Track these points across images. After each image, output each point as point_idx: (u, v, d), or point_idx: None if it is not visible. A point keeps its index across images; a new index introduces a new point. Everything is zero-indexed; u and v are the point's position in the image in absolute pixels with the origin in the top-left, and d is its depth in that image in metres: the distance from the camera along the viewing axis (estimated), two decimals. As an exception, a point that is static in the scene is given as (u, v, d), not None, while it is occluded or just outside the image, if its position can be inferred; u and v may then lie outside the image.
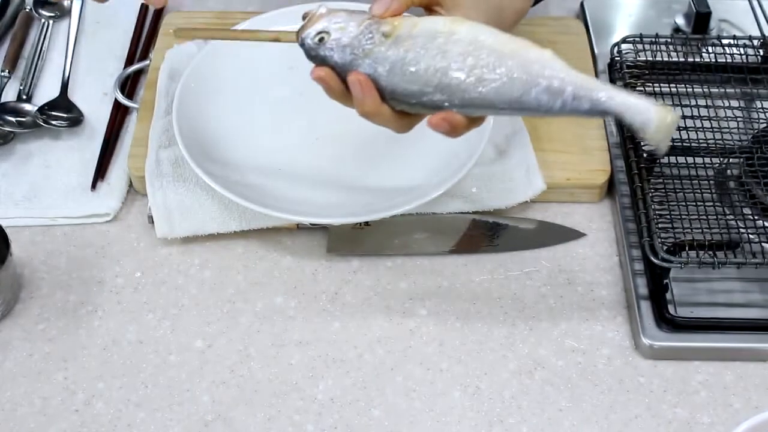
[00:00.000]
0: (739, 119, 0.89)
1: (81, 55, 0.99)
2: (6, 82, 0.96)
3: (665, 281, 0.78)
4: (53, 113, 0.92)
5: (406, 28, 0.67)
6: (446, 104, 0.66)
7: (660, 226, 0.79)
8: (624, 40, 0.95)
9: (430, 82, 0.66)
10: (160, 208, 0.83)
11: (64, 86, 0.95)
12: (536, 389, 0.74)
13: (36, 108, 0.92)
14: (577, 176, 0.87)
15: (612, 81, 0.94)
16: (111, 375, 0.75)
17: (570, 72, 0.65)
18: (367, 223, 0.84)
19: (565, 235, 0.85)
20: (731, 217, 0.82)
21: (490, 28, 0.66)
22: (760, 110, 0.90)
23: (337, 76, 0.68)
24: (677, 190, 0.82)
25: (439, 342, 0.77)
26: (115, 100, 0.94)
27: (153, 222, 0.83)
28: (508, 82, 0.65)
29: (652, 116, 0.64)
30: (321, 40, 0.67)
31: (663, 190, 0.82)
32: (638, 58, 0.93)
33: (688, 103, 0.89)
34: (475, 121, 0.68)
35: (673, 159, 0.85)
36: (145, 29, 1.02)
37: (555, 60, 0.65)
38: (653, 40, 0.94)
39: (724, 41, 0.95)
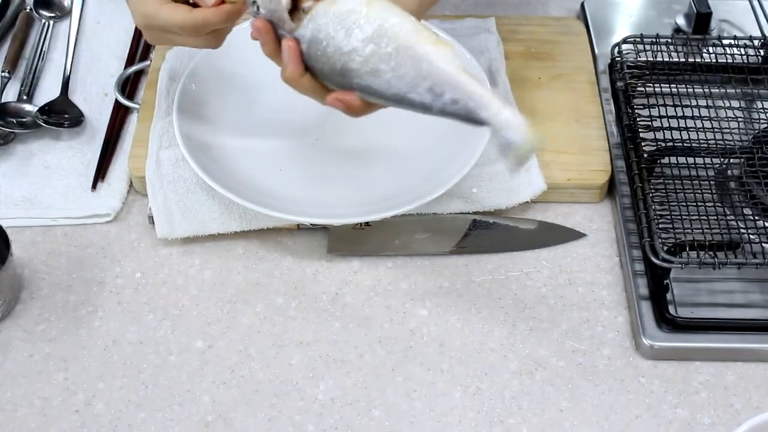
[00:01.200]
0: (739, 119, 0.89)
1: (81, 56, 0.99)
2: (6, 83, 0.96)
3: (666, 281, 0.78)
4: (53, 113, 0.92)
5: (325, 4, 0.67)
6: (347, 86, 0.68)
7: (660, 226, 0.79)
8: (624, 41, 0.95)
9: (335, 64, 0.67)
10: (160, 208, 0.83)
11: (65, 86, 0.95)
12: (537, 389, 0.74)
13: (36, 108, 0.92)
14: (577, 176, 0.87)
15: (612, 81, 0.94)
16: (111, 375, 0.75)
17: (457, 76, 0.65)
18: (367, 224, 0.84)
19: (566, 235, 0.85)
20: (732, 217, 0.82)
21: (400, 12, 0.67)
22: (761, 110, 0.90)
23: (273, 33, 0.70)
24: (678, 191, 0.82)
25: (440, 342, 0.77)
26: (116, 100, 0.94)
27: (153, 222, 0.83)
28: (398, 77, 0.66)
29: (521, 137, 0.64)
30: (257, 7, 0.69)
31: (663, 191, 0.82)
32: (639, 59, 0.93)
33: (688, 103, 0.89)
34: (372, 106, 0.70)
35: (673, 159, 0.85)
36: (146, 29, 1.02)
37: (447, 60, 0.65)
38: (654, 40, 0.94)
39: (725, 41, 0.95)
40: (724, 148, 0.86)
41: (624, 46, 0.94)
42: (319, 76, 0.70)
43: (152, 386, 0.74)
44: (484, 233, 0.84)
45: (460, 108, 0.65)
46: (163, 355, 0.76)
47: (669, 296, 0.78)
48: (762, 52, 0.95)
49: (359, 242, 0.83)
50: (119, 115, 0.93)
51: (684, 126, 0.87)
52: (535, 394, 0.74)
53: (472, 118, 0.65)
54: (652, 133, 0.87)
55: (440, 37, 0.67)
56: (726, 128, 0.87)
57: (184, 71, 0.89)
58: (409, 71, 0.65)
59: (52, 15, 1.04)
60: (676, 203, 0.81)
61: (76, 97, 0.95)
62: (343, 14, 0.66)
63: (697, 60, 0.94)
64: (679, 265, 0.76)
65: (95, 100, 0.95)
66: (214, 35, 0.76)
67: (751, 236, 0.80)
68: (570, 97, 0.93)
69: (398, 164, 0.86)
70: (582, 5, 1.04)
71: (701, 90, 0.90)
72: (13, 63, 0.98)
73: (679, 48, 0.95)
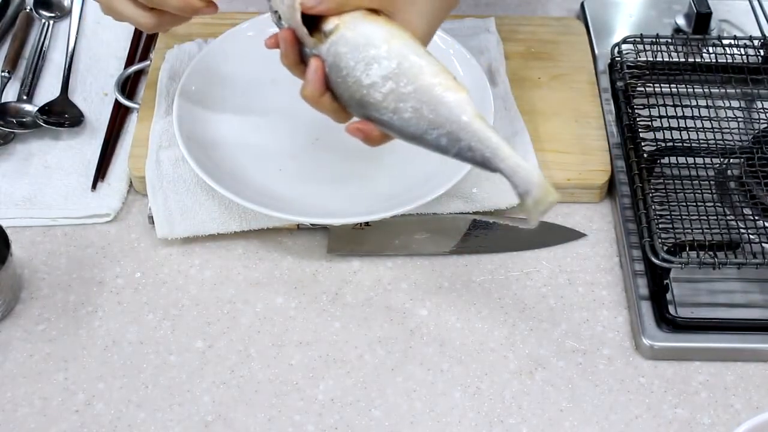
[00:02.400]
0: (739, 119, 0.89)
1: (81, 56, 0.99)
2: (6, 83, 0.96)
3: (666, 281, 0.78)
4: (53, 113, 0.92)
5: (346, 29, 0.67)
6: (366, 117, 0.68)
7: (660, 226, 0.79)
8: (624, 41, 0.95)
9: (354, 95, 0.68)
10: (160, 208, 0.83)
11: (65, 86, 0.95)
12: (537, 389, 0.74)
13: (36, 108, 0.92)
14: (577, 176, 0.87)
15: (612, 81, 0.94)
16: (111, 375, 0.75)
17: (473, 123, 0.65)
18: (367, 224, 0.84)
19: (566, 235, 0.85)
20: (732, 217, 0.82)
21: (420, 50, 0.67)
22: (761, 110, 0.90)
23: (297, 46, 0.70)
24: (678, 191, 0.82)
25: (440, 342, 0.77)
26: (116, 100, 0.94)
27: (153, 222, 0.83)
28: (415, 118, 0.66)
29: (535, 189, 0.65)
30: (279, 17, 0.70)
31: (663, 191, 0.82)
32: (639, 59, 0.93)
33: (688, 103, 0.89)
34: (389, 137, 0.70)
35: (673, 159, 0.85)
36: (146, 29, 1.02)
37: (465, 107, 0.66)
38: (654, 40, 0.94)
39: (725, 41, 0.95)
40: (724, 148, 0.86)
41: (624, 46, 0.94)
42: (339, 99, 0.70)
43: (152, 386, 0.74)
44: (484, 233, 0.84)
45: (477, 155, 0.66)
46: (163, 355, 0.76)
47: (669, 296, 0.78)
48: (762, 52, 0.95)
49: (359, 242, 0.83)
50: (119, 115, 0.93)
51: (684, 126, 0.87)
52: (535, 394, 0.74)
53: (487, 166, 0.66)
54: (652, 133, 0.87)
55: (457, 81, 0.67)
56: (726, 128, 0.87)
57: (184, 71, 0.89)
58: (427, 115, 0.66)
59: (52, 15, 1.03)
60: (676, 203, 0.81)
61: (76, 97, 0.95)
62: (362, 46, 0.66)
63: (697, 60, 0.94)
64: (679, 265, 0.76)
65: (95, 100, 0.95)
66: (157, 16, 0.76)
67: (751, 236, 0.80)
68: (570, 97, 0.93)
69: (398, 164, 0.85)
70: (582, 5, 1.04)
71: (701, 90, 0.90)
72: (13, 63, 0.98)
73: (679, 48, 0.95)
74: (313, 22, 0.68)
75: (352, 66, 0.67)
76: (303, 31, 0.68)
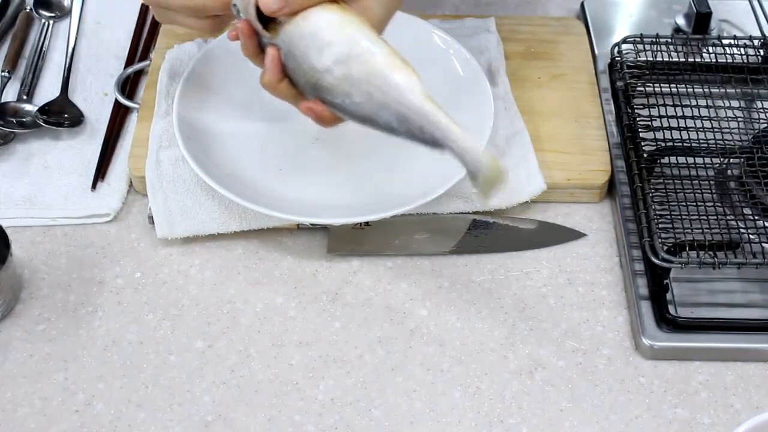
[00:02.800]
0: (739, 119, 0.89)
1: (81, 55, 0.99)
2: (6, 82, 0.96)
3: (666, 281, 0.78)
4: (53, 113, 0.92)
5: (300, 18, 0.69)
6: (321, 100, 0.71)
7: (660, 226, 0.79)
8: (624, 41, 0.95)
9: (309, 80, 0.70)
10: (160, 208, 0.83)
11: (64, 86, 0.95)
12: (537, 389, 0.74)
13: (36, 108, 0.92)
14: (577, 176, 0.87)
15: (612, 81, 0.94)
16: (111, 375, 0.75)
17: (423, 104, 0.67)
18: (367, 223, 0.84)
19: (566, 235, 0.85)
20: (731, 217, 0.82)
21: (371, 35, 0.69)
22: (761, 110, 0.90)
23: (255, 38, 0.72)
24: (677, 191, 0.82)
25: (440, 342, 0.77)
26: (116, 100, 0.94)
27: (153, 222, 0.83)
28: (366, 101, 0.68)
29: (484, 169, 0.67)
30: (237, 10, 0.72)
31: (663, 191, 0.82)
32: (639, 59, 0.93)
33: (688, 103, 0.89)
34: (341, 119, 0.73)
35: (673, 159, 0.85)
36: (145, 29, 1.02)
37: (415, 90, 0.67)
38: (654, 40, 0.94)
39: (725, 41, 0.95)
40: (724, 148, 0.86)
41: (624, 46, 0.94)
42: (296, 85, 0.72)
43: (152, 386, 0.74)
44: (484, 233, 0.84)
45: (427, 136, 0.68)
46: (163, 355, 0.76)
47: (669, 296, 0.78)
48: (762, 52, 0.95)
49: (359, 242, 0.83)
50: (119, 115, 0.93)
51: (684, 126, 0.87)
52: (535, 394, 0.74)
53: (438, 146, 0.68)
54: (652, 133, 0.87)
55: (408, 63, 0.68)
56: (726, 128, 0.87)
57: (184, 71, 0.89)
58: (378, 97, 0.68)
59: (52, 15, 1.03)
60: (676, 203, 0.81)
61: (76, 97, 0.95)
62: (315, 33, 0.69)
63: (697, 60, 0.94)
64: (679, 265, 0.76)
65: (95, 100, 0.95)
66: (213, 21, 0.77)
67: (751, 236, 0.80)
68: (570, 97, 0.93)
69: (398, 164, 0.85)
70: (582, 5, 1.04)
71: (701, 90, 0.90)
72: (12, 63, 0.98)
73: (679, 48, 0.95)
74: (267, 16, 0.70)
75: (306, 53, 0.69)
76: (258, 25, 0.70)
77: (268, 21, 0.70)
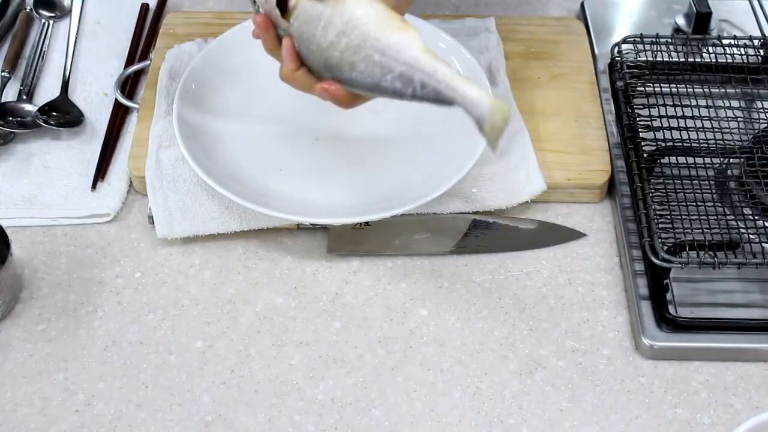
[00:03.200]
0: (739, 119, 0.89)
1: (81, 55, 0.99)
2: (6, 82, 0.96)
3: (666, 281, 0.78)
4: (53, 113, 0.92)
5: (305, 1, 0.69)
6: (336, 79, 0.70)
7: (660, 226, 0.79)
8: (624, 41, 0.95)
9: (319, 60, 0.70)
10: (160, 208, 0.83)
11: (64, 86, 0.95)
12: (537, 389, 0.74)
13: (36, 108, 0.92)
14: (577, 176, 0.87)
15: (612, 81, 0.94)
16: (111, 375, 0.75)
17: (422, 59, 0.66)
18: (367, 224, 0.84)
19: (566, 235, 0.85)
20: (731, 217, 0.82)
21: (367, 2, 0.68)
22: (761, 110, 0.90)
23: (273, 30, 0.72)
24: (677, 190, 0.82)
25: (440, 342, 0.77)
26: (116, 100, 0.94)
27: (153, 222, 0.83)
28: (370, 67, 0.68)
29: (489, 113, 0.65)
30: (256, 5, 0.72)
31: (663, 190, 0.82)
32: (639, 59, 0.93)
33: (688, 103, 0.89)
34: (358, 97, 0.72)
35: (673, 159, 0.85)
36: (145, 29, 1.02)
37: (412, 45, 0.67)
38: (654, 40, 0.94)
39: (725, 41, 0.95)
40: (724, 148, 0.86)
41: (624, 46, 0.94)
42: (313, 72, 0.72)
43: (152, 386, 0.74)
44: (484, 233, 0.84)
45: (429, 91, 0.67)
46: (163, 355, 0.76)
47: (669, 296, 0.78)
48: (762, 52, 0.95)
49: (359, 242, 0.83)
50: (119, 115, 0.93)
51: (684, 126, 0.87)
52: (535, 394, 0.74)
53: (441, 100, 0.67)
54: (651, 133, 0.87)
55: (406, 22, 0.68)
56: (726, 128, 0.87)
57: (184, 71, 0.89)
58: (378, 60, 0.67)
59: (52, 15, 1.03)
60: (676, 203, 0.81)
61: (76, 97, 0.95)
62: (319, 12, 0.69)
63: (697, 60, 0.94)
64: (679, 265, 0.76)
65: (95, 100, 0.95)
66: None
67: (751, 236, 0.80)
68: (570, 97, 0.93)
69: (398, 164, 0.86)
70: (582, 5, 1.04)
71: (701, 90, 0.90)
72: (13, 63, 0.98)
73: (679, 48, 0.95)
74: (284, 4, 0.71)
75: (312, 32, 0.69)
76: (276, 12, 0.70)
77: (284, 11, 0.71)
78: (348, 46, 0.68)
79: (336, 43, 0.69)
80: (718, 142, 0.86)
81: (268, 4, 0.71)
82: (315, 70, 0.72)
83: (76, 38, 1.00)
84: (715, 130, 0.87)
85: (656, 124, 0.87)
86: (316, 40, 0.69)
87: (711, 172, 0.85)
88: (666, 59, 0.93)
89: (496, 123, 0.65)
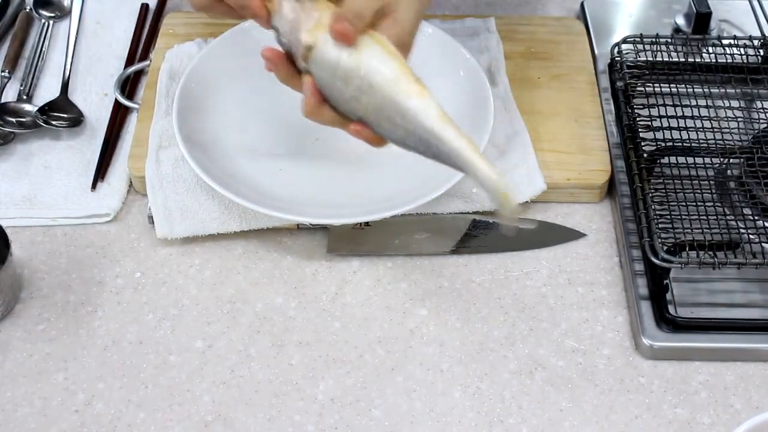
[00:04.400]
0: (739, 119, 0.89)
1: (81, 55, 1.00)
2: (6, 83, 0.96)
3: (665, 281, 0.78)
4: (53, 113, 0.92)
5: (322, 45, 0.68)
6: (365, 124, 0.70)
7: (660, 226, 0.79)
8: (624, 41, 0.95)
9: (344, 107, 0.70)
10: (160, 208, 0.83)
11: (64, 86, 0.95)
12: (536, 389, 0.74)
13: (36, 108, 0.92)
14: (577, 176, 0.87)
15: (612, 81, 0.94)
16: (111, 375, 0.75)
17: (438, 128, 0.66)
18: (367, 224, 0.84)
19: (566, 235, 0.85)
20: (731, 217, 0.82)
21: (380, 54, 0.67)
22: (761, 110, 0.90)
23: (286, 63, 0.71)
24: (677, 191, 0.82)
25: (440, 342, 0.77)
26: (116, 100, 0.94)
27: (153, 222, 0.83)
28: (392, 126, 0.68)
29: (494, 191, 0.66)
30: (278, 33, 0.71)
31: (663, 191, 0.82)
32: (638, 59, 0.93)
33: (688, 103, 0.89)
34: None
35: (673, 159, 0.85)
36: (145, 29, 1.02)
37: (428, 110, 0.66)
38: (653, 40, 0.94)
39: (725, 41, 0.95)
40: (724, 148, 0.86)
41: (624, 46, 0.94)
42: (337, 110, 0.71)
43: (152, 386, 0.74)
44: (484, 233, 0.84)
45: (446, 159, 0.67)
46: (163, 355, 0.76)
47: (669, 296, 0.78)
48: (762, 52, 0.95)
49: (359, 242, 0.83)
50: (119, 115, 0.93)
51: (684, 126, 0.87)
52: (535, 394, 0.74)
53: (457, 168, 0.68)
54: (651, 133, 0.87)
55: (420, 83, 0.67)
56: (726, 128, 0.87)
57: (184, 71, 0.89)
58: (400, 123, 0.67)
59: (52, 15, 1.04)
60: (675, 203, 0.81)
61: (76, 97, 0.95)
62: (334, 57, 0.68)
63: (696, 60, 0.94)
64: (679, 265, 0.76)
65: (95, 100, 0.95)
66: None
67: (751, 236, 0.80)
68: (570, 97, 0.93)
69: (398, 164, 0.85)
70: (582, 5, 1.04)
71: (701, 90, 0.90)
72: (12, 63, 0.98)
73: (679, 48, 0.95)
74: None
75: (333, 81, 0.69)
76: (301, 52, 0.69)
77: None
78: (370, 103, 0.68)
79: (358, 98, 0.68)
80: (718, 142, 0.86)
81: (291, 37, 0.69)
82: (340, 111, 0.71)
83: (76, 38, 1.00)
84: (715, 130, 0.87)
85: (656, 124, 0.87)
86: (338, 89, 0.69)
87: (711, 172, 0.85)
88: (666, 59, 0.93)
89: (503, 203, 0.66)
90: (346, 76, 0.68)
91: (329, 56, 0.68)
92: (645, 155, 0.85)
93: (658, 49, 0.94)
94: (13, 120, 0.92)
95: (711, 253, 0.77)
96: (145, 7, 1.04)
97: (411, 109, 0.66)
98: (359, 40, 0.68)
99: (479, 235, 0.84)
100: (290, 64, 0.71)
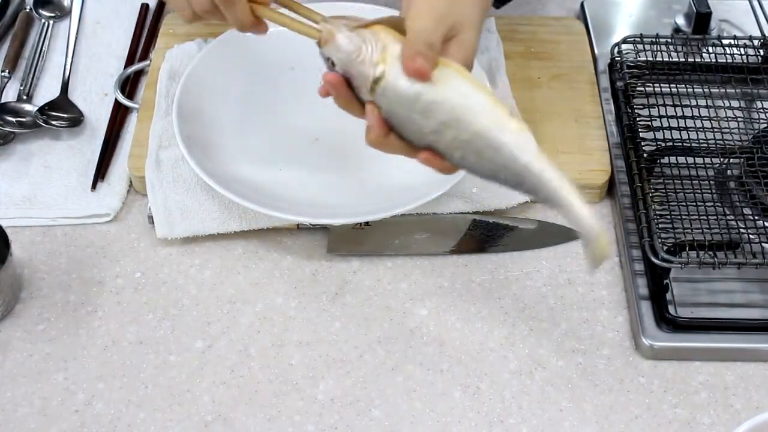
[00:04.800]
0: (739, 119, 0.89)
1: (81, 55, 0.99)
2: (6, 83, 0.96)
3: (665, 281, 0.78)
4: (53, 113, 0.92)
5: (393, 80, 0.65)
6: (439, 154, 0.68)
7: (660, 226, 0.79)
8: (624, 41, 0.95)
9: (419, 140, 0.67)
10: (160, 208, 0.83)
11: (64, 86, 0.95)
12: (536, 389, 0.74)
13: (36, 108, 0.92)
14: (577, 176, 0.86)
15: (612, 81, 0.94)
16: (111, 375, 0.75)
17: (536, 165, 0.64)
18: (367, 224, 0.84)
19: (566, 235, 0.85)
20: (731, 217, 0.82)
21: (469, 86, 0.65)
22: (761, 110, 0.90)
23: (347, 88, 0.68)
24: (677, 190, 0.82)
25: (440, 342, 0.77)
26: (115, 100, 0.94)
27: (153, 222, 0.83)
28: (480, 161, 0.66)
29: (593, 237, 0.65)
30: (332, 63, 0.67)
31: (663, 191, 0.82)
32: (638, 59, 0.93)
33: (688, 103, 0.89)
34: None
35: (673, 159, 0.85)
36: (145, 29, 1.02)
37: (525, 147, 0.65)
38: (654, 40, 0.94)
39: (725, 41, 0.95)
40: (724, 148, 0.86)
41: (624, 46, 0.94)
42: (407, 140, 0.68)
43: (152, 386, 0.74)
44: (484, 233, 0.84)
45: (540, 197, 0.65)
46: (163, 355, 0.76)
47: (669, 296, 0.78)
48: (762, 52, 0.95)
49: (359, 242, 0.83)
50: (119, 115, 0.93)
51: (684, 126, 0.87)
52: (535, 394, 0.74)
53: (550, 205, 0.66)
54: (651, 133, 0.87)
55: (513, 116, 0.65)
56: (726, 128, 0.87)
57: (184, 71, 0.89)
58: (491, 157, 0.65)
59: (52, 15, 1.04)
60: (675, 203, 0.81)
61: (76, 97, 0.95)
62: (411, 92, 0.65)
63: (696, 60, 0.94)
64: (679, 265, 0.76)
65: (95, 100, 0.95)
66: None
67: (751, 236, 0.80)
68: (570, 97, 0.93)
69: (398, 164, 0.85)
70: (582, 5, 1.04)
71: (701, 90, 0.90)
72: (12, 63, 0.98)
73: (679, 48, 0.95)
74: None
75: (409, 115, 0.66)
76: (367, 86, 0.66)
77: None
78: (456, 137, 0.65)
79: (441, 131, 0.65)
80: (718, 142, 0.86)
81: (352, 73, 0.66)
82: (410, 141, 0.68)
83: (76, 38, 1.00)
84: (715, 130, 0.87)
85: (656, 124, 0.87)
86: (415, 122, 0.66)
87: (711, 172, 0.85)
88: (666, 59, 0.93)
89: (597, 253, 0.65)
90: (426, 110, 0.65)
91: (404, 90, 0.65)
92: (645, 155, 0.85)
93: (658, 49, 0.94)
94: (13, 120, 0.92)
95: (711, 253, 0.77)
96: (145, 7, 1.04)
97: (507, 144, 0.64)
98: (440, 69, 0.65)
99: (479, 235, 0.84)
100: (350, 89, 0.68)
